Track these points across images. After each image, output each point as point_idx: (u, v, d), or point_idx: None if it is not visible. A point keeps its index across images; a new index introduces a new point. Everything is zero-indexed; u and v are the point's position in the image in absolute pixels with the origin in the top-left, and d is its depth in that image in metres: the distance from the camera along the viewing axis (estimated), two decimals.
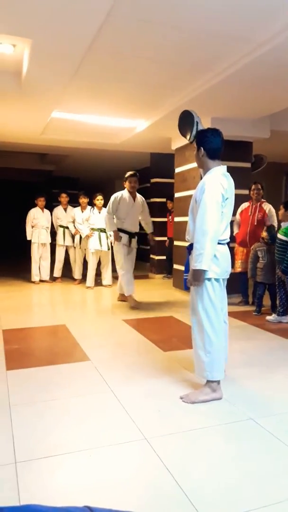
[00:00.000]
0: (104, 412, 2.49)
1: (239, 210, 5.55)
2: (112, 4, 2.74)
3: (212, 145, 2.67)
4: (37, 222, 7.30)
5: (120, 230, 5.44)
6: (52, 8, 2.81)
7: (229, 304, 2.91)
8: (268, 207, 5.44)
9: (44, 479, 1.86)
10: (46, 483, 1.83)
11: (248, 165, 5.99)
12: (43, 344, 4.07)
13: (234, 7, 2.82)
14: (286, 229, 4.47)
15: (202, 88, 4.34)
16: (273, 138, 5.97)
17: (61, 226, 7.49)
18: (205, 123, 4.43)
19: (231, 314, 4.30)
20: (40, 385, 2.88)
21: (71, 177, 12.09)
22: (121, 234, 5.44)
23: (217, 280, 2.64)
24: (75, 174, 12.01)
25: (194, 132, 2.95)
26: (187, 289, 2.83)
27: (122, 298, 5.70)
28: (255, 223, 5.35)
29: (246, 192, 5.57)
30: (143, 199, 5.63)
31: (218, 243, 2.61)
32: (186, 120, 3.08)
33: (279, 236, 4.57)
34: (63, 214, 7.51)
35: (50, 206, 7.93)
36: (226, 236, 2.69)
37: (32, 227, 7.31)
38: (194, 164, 5.52)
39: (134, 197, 5.46)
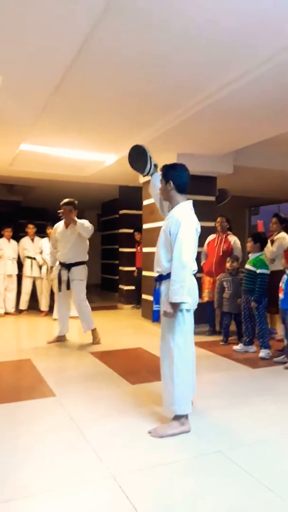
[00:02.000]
0: (70, 451, 2.41)
1: (207, 241, 5.70)
2: (82, 45, 2.87)
3: (181, 180, 2.77)
4: (3, 253, 7.17)
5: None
6: (21, 47, 2.90)
7: (197, 333, 2.93)
8: (233, 239, 5.62)
9: None
10: None
11: (212, 198, 6.21)
12: (7, 379, 3.91)
13: (190, 60, 3.14)
14: (255, 260, 4.62)
15: (169, 125, 4.53)
16: (236, 173, 6.25)
17: (28, 257, 7.37)
18: (171, 159, 4.60)
19: (199, 344, 4.32)
20: (4, 423, 2.76)
21: (40, 207, 12.04)
22: (56, 266, 5.20)
23: (188, 310, 2.67)
24: (44, 205, 11.95)
25: (148, 166, 3.05)
26: (156, 320, 2.83)
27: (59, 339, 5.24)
28: (221, 254, 5.50)
29: (211, 224, 5.75)
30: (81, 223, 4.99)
31: None
32: (139, 156, 3.13)
33: (247, 266, 4.70)
34: (30, 245, 7.42)
35: (17, 236, 7.83)
36: (195, 267, 2.75)
37: None
38: None
39: (67, 225, 5.15)
